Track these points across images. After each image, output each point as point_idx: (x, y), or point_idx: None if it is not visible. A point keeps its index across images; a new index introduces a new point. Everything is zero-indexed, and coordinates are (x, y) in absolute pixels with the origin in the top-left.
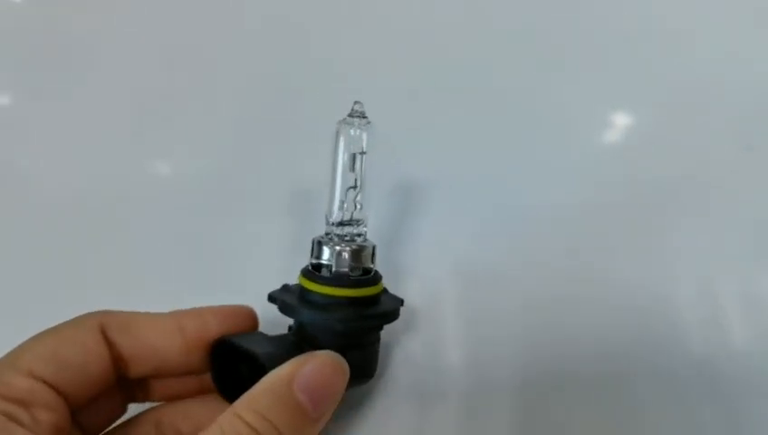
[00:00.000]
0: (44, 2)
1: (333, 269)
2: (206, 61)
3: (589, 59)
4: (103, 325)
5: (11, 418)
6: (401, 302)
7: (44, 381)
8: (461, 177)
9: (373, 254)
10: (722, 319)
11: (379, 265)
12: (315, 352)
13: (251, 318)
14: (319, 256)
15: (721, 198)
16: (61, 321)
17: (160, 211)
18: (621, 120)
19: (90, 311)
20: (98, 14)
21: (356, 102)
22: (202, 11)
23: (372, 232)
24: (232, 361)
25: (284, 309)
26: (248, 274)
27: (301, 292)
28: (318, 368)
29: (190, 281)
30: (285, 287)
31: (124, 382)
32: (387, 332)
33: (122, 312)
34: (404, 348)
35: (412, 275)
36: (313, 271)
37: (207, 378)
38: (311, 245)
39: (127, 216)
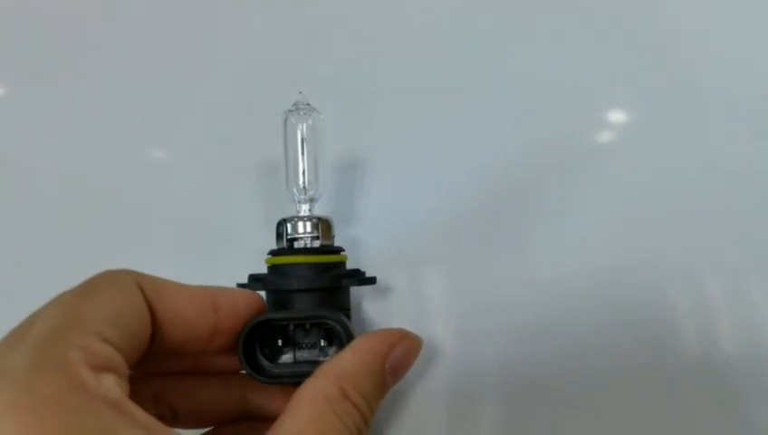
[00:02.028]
0: None
1: (314, 241)
2: (205, 50)
3: (583, 49)
4: (141, 287)
5: (126, 392)
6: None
7: (120, 351)
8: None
9: (332, 227)
10: (717, 321)
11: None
12: (402, 331)
13: (265, 308)
14: (288, 233)
15: (717, 201)
16: None
17: (159, 199)
18: (619, 116)
19: None
20: (97, 5)
21: (299, 93)
22: (203, 2)
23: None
24: (273, 337)
25: (273, 283)
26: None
27: (279, 271)
28: (408, 351)
29: (187, 269)
30: (253, 277)
31: None
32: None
33: (152, 276)
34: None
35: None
36: (289, 249)
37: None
38: (276, 228)
39: (125, 205)
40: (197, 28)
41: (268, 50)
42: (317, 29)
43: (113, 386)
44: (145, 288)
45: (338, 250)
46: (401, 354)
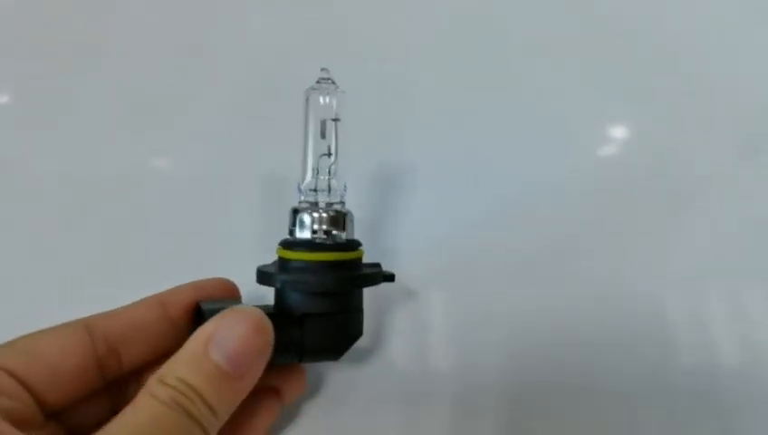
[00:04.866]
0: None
1: (309, 235)
2: (204, 56)
3: (587, 57)
4: (89, 324)
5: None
6: (379, 266)
7: (10, 372)
8: (450, 169)
9: (348, 221)
10: (715, 334)
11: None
12: (234, 307)
13: (230, 290)
14: (294, 224)
15: (713, 211)
16: (55, 315)
17: (158, 206)
18: (617, 126)
19: (85, 302)
20: (98, 11)
21: (323, 69)
22: (202, 6)
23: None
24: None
25: (262, 278)
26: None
27: (279, 262)
28: (231, 326)
29: (184, 275)
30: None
31: (118, 383)
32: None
33: (104, 312)
34: (386, 348)
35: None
36: (290, 240)
37: None
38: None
39: (124, 211)
40: (201, 35)
41: (275, 56)
42: (330, 34)
43: None
44: (94, 324)
45: (346, 247)
46: (225, 332)
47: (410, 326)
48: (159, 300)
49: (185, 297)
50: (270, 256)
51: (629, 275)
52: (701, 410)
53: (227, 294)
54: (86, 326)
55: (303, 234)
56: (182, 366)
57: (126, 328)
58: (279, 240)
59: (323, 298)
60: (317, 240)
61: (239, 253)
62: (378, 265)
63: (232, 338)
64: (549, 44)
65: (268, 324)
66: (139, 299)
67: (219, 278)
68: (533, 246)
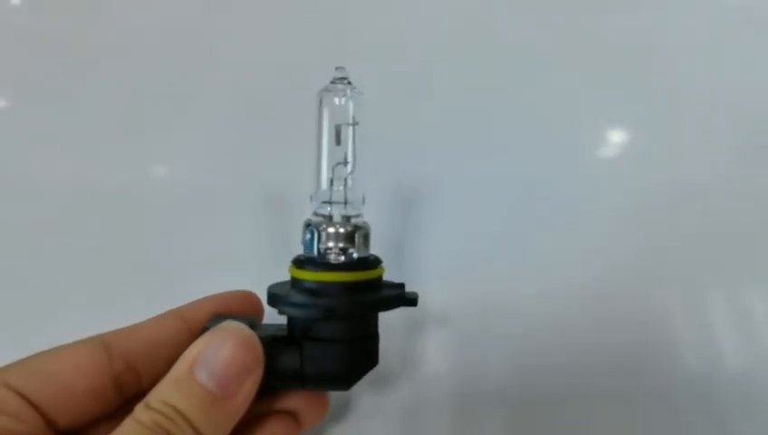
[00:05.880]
0: (43, 3)
1: (320, 252)
2: (203, 63)
3: (592, 69)
4: (107, 341)
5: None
6: (402, 287)
7: (19, 393)
8: (461, 187)
9: (364, 237)
10: (715, 337)
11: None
12: (221, 325)
13: (253, 303)
14: (305, 239)
15: (714, 214)
16: (53, 323)
17: (157, 214)
18: (619, 131)
19: (83, 312)
20: (97, 15)
21: (338, 68)
22: (201, 13)
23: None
24: None
25: (270, 299)
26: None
27: (291, 281)
28: (217, 345)
29: (185, 281)
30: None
31: (138, 399)
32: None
33: (124, 328)
34: (389, 359)
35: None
36: (301, 257)
37: None
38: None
39: (123, 218)
40: (203, 42)
41: (275, 58)
42: (330, 35)
43: None
44: (112, 341)
45: (359, 266)
46: (210, 353)
47: (403, 325)
48: (180, 314)
49: (206, 311)
50: (271, 267)
51: (630, 277)
52: (702, 411)
53: (250, 308)
54: (103, 344)
55: (314, 251)
56: (167, 389)
57: (146, 345)
58: (280, 250)
59: (326, 323)
60: (329, 258)
61: (239, 262)
62: (400, 286)
63: (217, 357)
64: (550, 48)
65: (256, 341)
66: (158, 314)
67: (242, 291)
68: (533, 242)
